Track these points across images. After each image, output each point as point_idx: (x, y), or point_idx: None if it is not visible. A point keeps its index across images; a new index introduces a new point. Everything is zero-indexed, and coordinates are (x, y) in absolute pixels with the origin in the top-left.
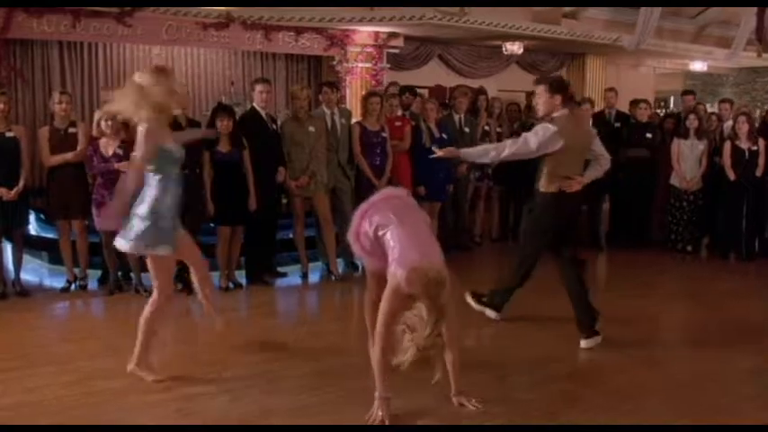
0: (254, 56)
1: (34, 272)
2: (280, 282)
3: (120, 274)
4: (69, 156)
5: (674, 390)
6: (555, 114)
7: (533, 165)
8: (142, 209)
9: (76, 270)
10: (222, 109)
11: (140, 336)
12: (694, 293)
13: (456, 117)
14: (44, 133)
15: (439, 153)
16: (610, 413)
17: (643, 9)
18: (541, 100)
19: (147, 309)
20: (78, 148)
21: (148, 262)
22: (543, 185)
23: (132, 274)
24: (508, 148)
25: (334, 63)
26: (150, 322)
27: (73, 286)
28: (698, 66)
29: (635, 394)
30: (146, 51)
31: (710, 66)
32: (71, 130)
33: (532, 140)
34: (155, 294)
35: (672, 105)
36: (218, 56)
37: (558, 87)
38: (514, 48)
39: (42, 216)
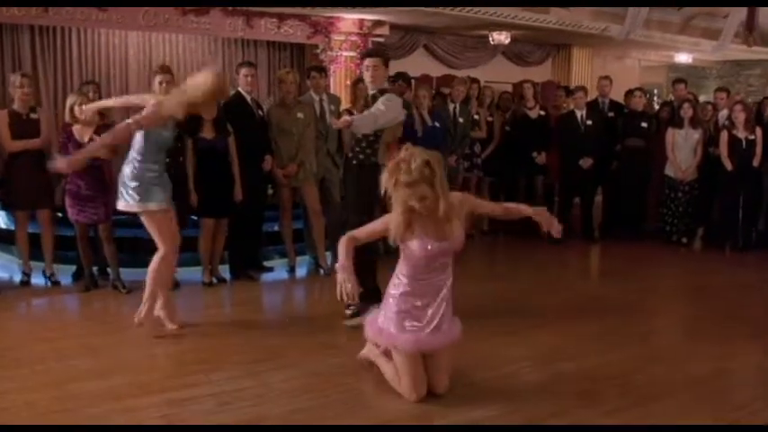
0: (236, 43)
1: (4, 267)
2: (266, 277)
3: (96, 269)
4: (35, 142)
5: (694, 388)
6: (386, 86)
7: (523, 155)
8: (128, 170)
9: (39, 264)
10: None
11: (147, 289)
12: (693, 286)
13: (451, 106)
14: (3, 117)
15: (336, 123)
16: (632, 413)
17: None
18: (378, 72)
19: (155, 260)
20: (42, 134)
21: (146, 224)
22: (384, 158)
23: (109, 270)
24: (382, 117)
25: (318, 51)
26: (158, 273)
27: (47, 282)
28: (683, 58)
29: (655, 393)
30: (122, 37)
31: (695, 59)
32: (32, 115)
33: (396, 106)
34: (160, 249)
35: (656, 98)
36: (198, 43)
37: (388, 60)
38: (501, 37)
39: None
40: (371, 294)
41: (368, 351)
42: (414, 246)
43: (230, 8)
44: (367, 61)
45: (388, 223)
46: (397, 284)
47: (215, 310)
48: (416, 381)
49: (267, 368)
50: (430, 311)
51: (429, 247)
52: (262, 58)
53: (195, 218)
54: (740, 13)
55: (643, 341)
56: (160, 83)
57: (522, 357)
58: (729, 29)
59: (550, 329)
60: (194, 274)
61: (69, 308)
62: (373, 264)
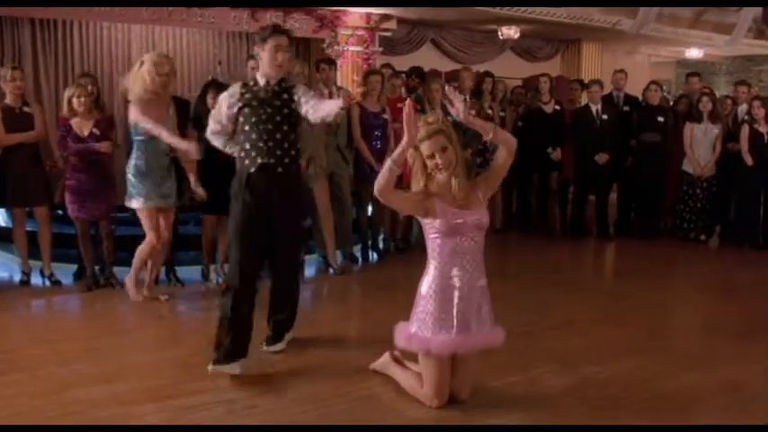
0: (240, 37)
1: (4, 266)
2: None
3: (97, 268)
4: (29, 135)
5: (729, 393)
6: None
7: (537, 151)
8: (129, 167)
9: (39, 263)
10: (215, 85)
11: (132, 269)
12: (714, 285)
13: (460, 98)
14: None
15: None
16: (667, 420)
17: None
18: (289, 56)
19: (142, 245)
20: (36, 128)
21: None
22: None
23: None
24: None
25: (325, 46)
26: (142, 254)
27: (46, 281)
28: (694, 53)
29: (690, 399)
30: (125, 31)
31: (706, 54)
32: (26, 109)
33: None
34: (148, 236)
35: (667, 94)
36: (203, 36)
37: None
38: (511, 32)
39: None
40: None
41: (382, 363)
42: (438, 214)
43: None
44: (277, 40)
45: (409, 199)
46: (427, 282)
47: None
48: (442, 386)
49: (277, 374)
50: (466, 309)
51: (453, 214)
52: None
53: (199, 214)
54: (754, 8)
55: (669, 343)
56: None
57: (545, 361)
58: (743, 23)
59: (572, 331)
60: (196, 273)
61: (71, 309)
62: (247, 321)
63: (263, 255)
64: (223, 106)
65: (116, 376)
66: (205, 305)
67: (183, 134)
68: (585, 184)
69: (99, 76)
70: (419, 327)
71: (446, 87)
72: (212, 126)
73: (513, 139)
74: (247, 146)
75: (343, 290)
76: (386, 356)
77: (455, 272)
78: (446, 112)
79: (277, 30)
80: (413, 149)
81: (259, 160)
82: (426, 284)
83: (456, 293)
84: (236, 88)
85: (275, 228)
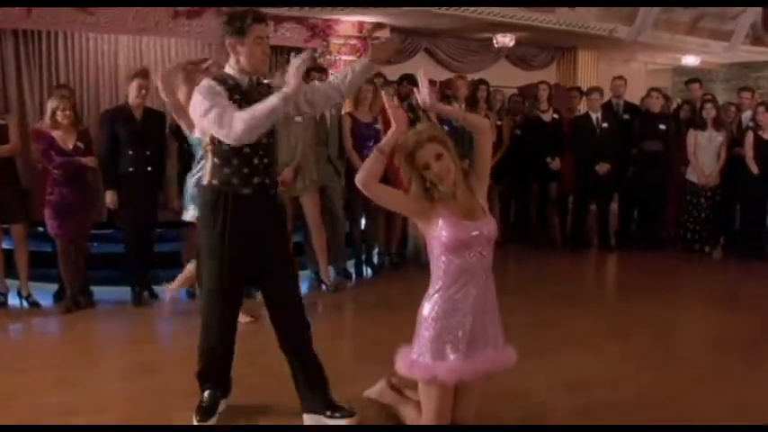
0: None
1: None
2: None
3: (77, 287)
4: (3, 149)
5: (748, 413)
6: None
7: (536, 161)
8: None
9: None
10: None
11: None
12: (721, 298)
13: (455, 106)
14: None
15: None
16: None
17: None
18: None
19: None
20: (11, 141)
21: None
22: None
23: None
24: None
25: (317, 56)
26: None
27: (23, 303)
28: (691, 60)
29: (708, 419)
30: (111, 42)
31: (702, 61)
32: (0, 121)
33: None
34: None
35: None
36: (191, 47)
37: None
38: (506, 40)
39: None
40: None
41: (379, 391)
42: (442, 225)
43: (224, 11)
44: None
45: (407, 197)
46: (430, 303)
47: None
48: (443, 416)
49: (264, 402)
50: (474, 332)
51: (460, 227)
52: None
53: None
54: (752, 14)
55: (679, 360)
56: (140, 87)
57: (551, 383)
58: (741, 30)
59: (578, 350)
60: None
61: (48, 333)
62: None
63: (241, 296)
64: (215, 94)
65: (91, 409)
66: (190, 326)
67: (161, 147)
68: (586, 194)
69: (85, 87)
70: (421, 353)
71: (420, 72)
72: (218, 115)
73: (485, 121)
74: (235, 161)
75: (336, 307)
76: (382, 383)
77: (462, 292)
78: (441, 122)
79: (257, 17)
80: (405, 164)
81: (255, 180)
82: (429, 306)
83: (463, 316)
84: (212, 83)
85: (267, 259)
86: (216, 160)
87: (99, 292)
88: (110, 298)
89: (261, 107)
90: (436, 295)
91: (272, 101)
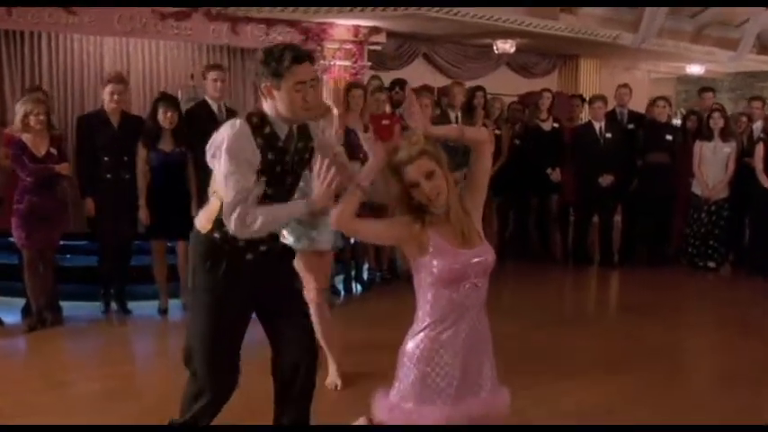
0: (221, 51)
1: None
2: None
3: (44, 302)
4: None
5: None
6: None
7: (535, 172)
8: None
9: None
10: (165, 99)
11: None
12: (732, 321)
13: (452, 115)
14: None
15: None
16: None
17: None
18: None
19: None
20: None
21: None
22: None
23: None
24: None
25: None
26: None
27: None
28: (695, 69)
29: None
30: (97, 44)
31: (707, 70)
32: None
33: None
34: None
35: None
36: (181, 50)
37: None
38: (506, 46)
39: None
40: None
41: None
42: (433, 253)
43: (214, 13)
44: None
45: (391, 224)
46: (414, 341)
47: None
48: None
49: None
50: (463, 374)
51: (453, 255)
52: (250, 68)
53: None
54: (759, 23)
55: (694, 391)
56: (112, 93)
57: (555, 418)
58: (748, 38)
59: (583, 380)
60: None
61: (10, 353)
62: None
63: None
64: (242, 154)
65: None
66: (162, 348)
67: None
68: (588, 208)
69: (69, 91)
70: (403, 396)
71: (408, 91)
72: (234, 196)
73: (483, 131)
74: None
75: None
76: (362, 420)
77: (453, 330)
78: None
79: (297, 56)
80: (392, 180)
81: (262, 248)
82: (414, 343)
83: (453, 357)
84: (244, 128)
85: (273, 308)
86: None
87: (71, 307)
88: (81, 314)
89: (284, 213)
90: (422, 333)
91: (296, 209)
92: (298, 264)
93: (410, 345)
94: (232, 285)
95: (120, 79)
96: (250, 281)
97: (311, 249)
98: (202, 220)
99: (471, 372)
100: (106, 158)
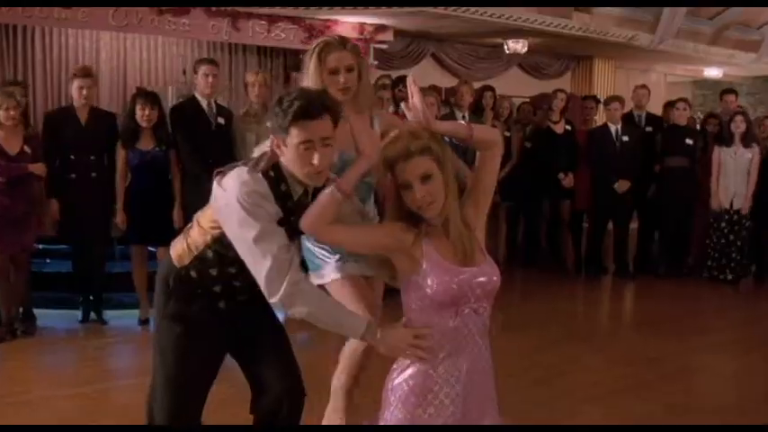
0: (222, 48)
1: None
2: None
3: (20, 311)
4: None
5: None
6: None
7: (547, 176)
8: None
9: None
10: (142, 95)
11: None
12: (756, 341)
13: (459, 115)
14: None
15: None
16: None
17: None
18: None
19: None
20: None
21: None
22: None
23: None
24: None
25: None
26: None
27: None
28: (713, 72)
29: None
30: (93, 39)
31: (725, 74)
32: None
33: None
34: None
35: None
36: (180, 47)
37: None
38: (518, 46)
39: None
40: None
41: None
42: (426, 269)
43: (213, 8)
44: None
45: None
46: (403, 375)
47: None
48: None
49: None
50: (460, 410)
51: (451, 273)
52: (251, 65)
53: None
54: None
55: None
56: (80, 88)
57: None
58: None
59: (603, 406)
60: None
61: None
62: None
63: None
64: (261, 210)
65: None
66: (140, 363)
67: (111, 152)
68: (602, 215)
69: (63, 87)
70: None
71: (409, 80)
72: (276, 251)
73: (494, 131)
74: (232, 270)
75: (310, 337)
76: None
77: (448, 363)
78: None
79: (305, 112)
80: (387, 171)
81: (240, 297)
82: (402, 377)
83: (448, 392)
84: (264, 188)
85: (250, 352)
86: (209, 253)
87: (49, 316)
88: (57, 324)
89: (334, 316)
90: (413, 367)
91: (351, 323)
92: (339, 293)
93: (397, 379)
94: (199, 333)
95: (88, 73)
96: (219, 331)
97: (360, 273)
98: (178, 250)
99: (471, 412)
100: (72, 157)
